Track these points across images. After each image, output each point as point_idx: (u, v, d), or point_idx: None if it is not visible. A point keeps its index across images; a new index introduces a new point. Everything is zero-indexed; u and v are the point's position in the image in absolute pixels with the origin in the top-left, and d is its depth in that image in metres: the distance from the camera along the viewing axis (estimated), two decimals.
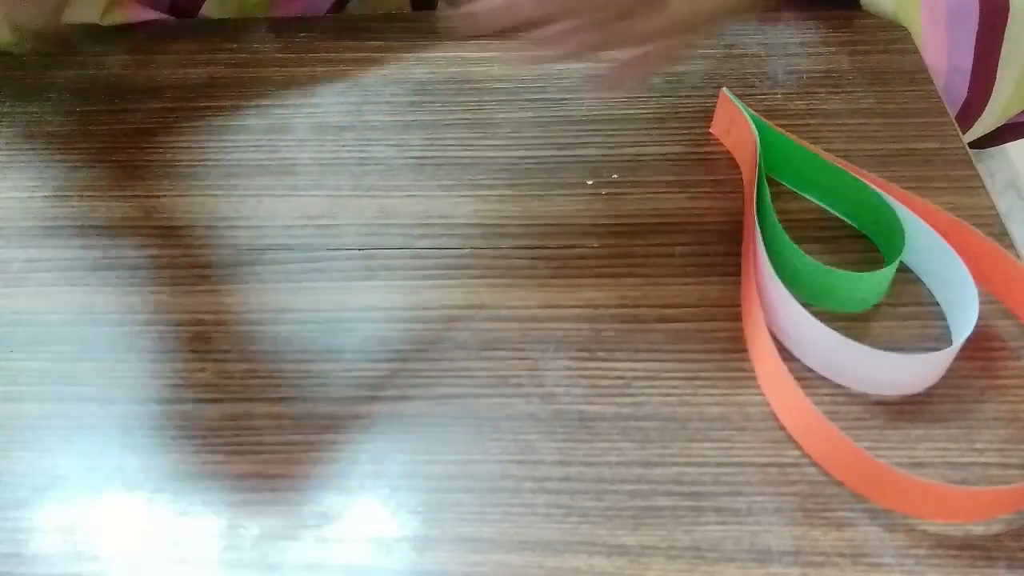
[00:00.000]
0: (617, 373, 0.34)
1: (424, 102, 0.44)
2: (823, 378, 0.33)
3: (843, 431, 0.30)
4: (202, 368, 0.35)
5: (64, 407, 0.34)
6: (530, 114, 0.43)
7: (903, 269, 0.37)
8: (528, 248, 0.38)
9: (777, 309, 0.34)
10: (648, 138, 0.43)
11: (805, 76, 0.46)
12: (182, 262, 0.38)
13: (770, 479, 0.31)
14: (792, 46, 0.48)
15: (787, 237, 0.35)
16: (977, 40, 0.47)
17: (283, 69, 0.47)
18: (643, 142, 0.43)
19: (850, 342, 0.32)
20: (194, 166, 0.43)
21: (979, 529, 0.29)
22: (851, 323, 0.35)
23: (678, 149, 0.42)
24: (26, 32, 0.33)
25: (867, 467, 0.29)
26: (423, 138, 0.43)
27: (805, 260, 0.34)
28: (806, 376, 0.33)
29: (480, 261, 0.38)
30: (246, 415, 0.33)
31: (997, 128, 0.54)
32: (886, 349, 0.33)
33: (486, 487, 0.31)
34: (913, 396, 0.33)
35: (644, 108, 0.45)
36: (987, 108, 0.50)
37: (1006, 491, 0.29)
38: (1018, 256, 0.36)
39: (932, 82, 0.45)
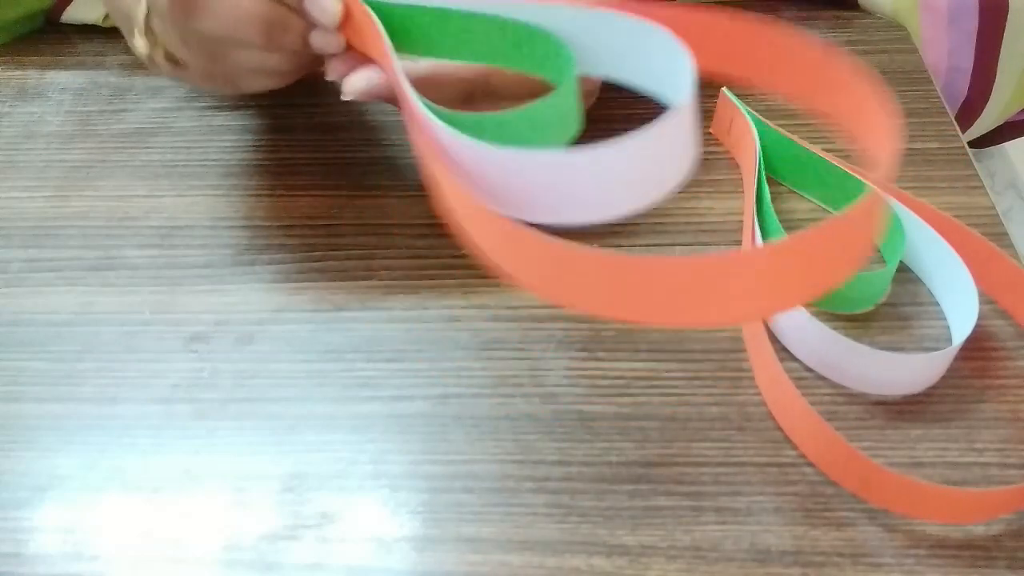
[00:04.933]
0: (617, 373, 0.34)
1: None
2: (823, 378, 0.33)
3: (843, 431, 0.30)
4: (202, 368, 0.35)
5: (64, 407, 0.34)
6: None
7: (903, 269, 0.37)
8: None
9: None
10: None
11: None
12: (182, 262, 0.38)
13: (770, 479, 0.31)
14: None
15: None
16: (977, 39, 0.47)
17: None
18: None
19: (850, 342, 0.32)
20: (194, 166, 0.43)
21: (979, 529, 0.29)
22: (851, 323, 0.35)
23: None
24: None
25: (864, 469, 0.29)
26: None
27: None
28: (806, 376, 0.34)
29: (480, 261, 0.38)
30: (246, 415, 0.33)
31: (997, 127, 0.54)
32: (886, 349, 0.33)
33: (486, 487, 0.31)
34: (913, 396, 0.33)
35: (644, 108, 0.44)
36: (987, 107, 0.51)
37: (1005, 492, 0.28)
38: (1017, 257, 0.36)
39: (932, 82, 0.45)
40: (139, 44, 0.35)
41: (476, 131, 0.29)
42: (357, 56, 0.34)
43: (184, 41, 0.34)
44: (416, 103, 0.29)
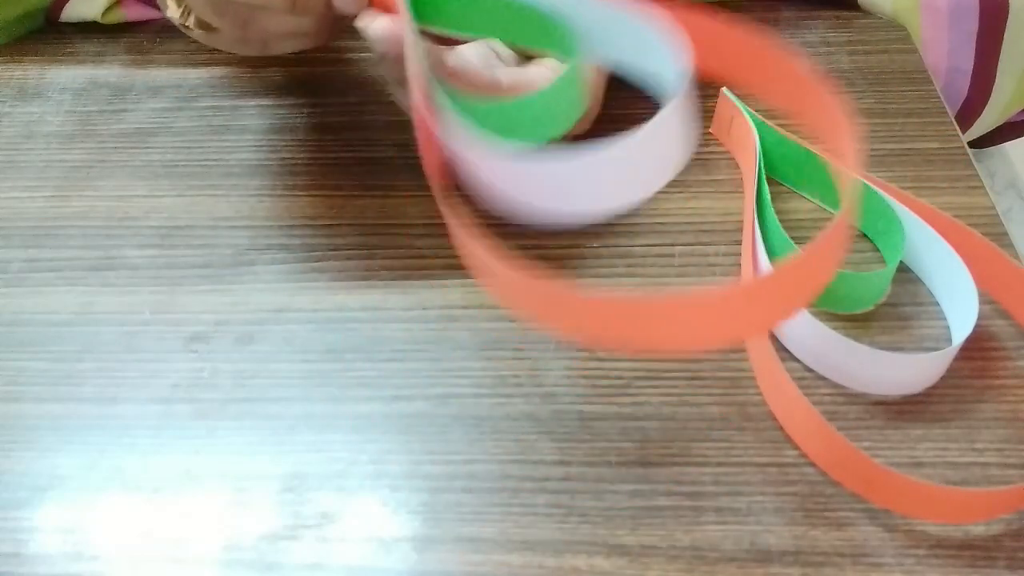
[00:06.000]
0: (617, 373, 0.34)
1: None
2: (823, 378, 0.33)
3: (843, 431, 0.30)
4: (202, 368, 0.35)
5: (64, 407, 0.34)
6: None
7: (903, 269, 0.37)
8: (528, 248, 0.38)
9: None
10: None
11: None
12: (182, 262, 0.38)
13: (770, 479, 0.31)
14: (792, 46, 0.48)
15: (787, 237, 0.35)
16: (977, 39, 0.47)
17: (283, 69, 0.47)
18: None
19: (850, 342, 0.32)
20: (194, 166, 0.43)
21: (979, 529, 0.29)
22: (851, 323, 0.35)
23: None
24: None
25: (865, 468, 0.29)
26: None
27: None
28: (806, 376, 0.34)
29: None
30: (246, 415, 0.33)
31: (997, 127, 0.54)
32: (886, 349, 0.33)
33: (486, 487, 0.31)
34: (913, 396, 0.33)
35: (644, 108, 0.45)
36: (987, 107, 0.51)
37: (1005, 492, 0.29)
38: (1017, 257, 0.36)
39: (932, 82, 0.45)
40: (172, 12, 0.37)
41: (483, 116, 0.30)
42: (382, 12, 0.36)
43: (215, 10, 0.36)
44: (420, 71, 0.29)
